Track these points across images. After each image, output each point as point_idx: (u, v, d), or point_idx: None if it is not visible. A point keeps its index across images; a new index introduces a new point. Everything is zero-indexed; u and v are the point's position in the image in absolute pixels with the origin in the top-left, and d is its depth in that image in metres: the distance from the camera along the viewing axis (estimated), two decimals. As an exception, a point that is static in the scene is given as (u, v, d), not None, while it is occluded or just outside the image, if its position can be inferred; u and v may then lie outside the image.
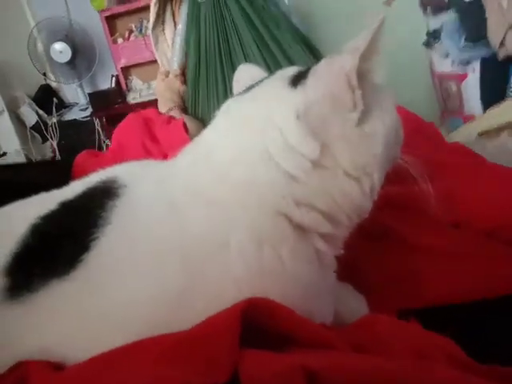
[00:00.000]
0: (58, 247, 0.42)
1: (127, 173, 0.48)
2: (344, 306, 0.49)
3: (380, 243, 0.58)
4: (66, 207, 0.46)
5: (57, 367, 0.38)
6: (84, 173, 0.55)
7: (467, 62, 1.61)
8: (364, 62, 0.40)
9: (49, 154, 2.31)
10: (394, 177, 0.48)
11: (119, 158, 0.98)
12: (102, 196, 0.45)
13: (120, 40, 2.27)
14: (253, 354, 0.32)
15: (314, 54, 1.40)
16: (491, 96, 1.56)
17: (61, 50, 2.17)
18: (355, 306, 0.51)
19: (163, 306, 0.38)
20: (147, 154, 0.99)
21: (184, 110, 1.44)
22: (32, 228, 0.45)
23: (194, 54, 1.39)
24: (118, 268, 0.40)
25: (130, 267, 0.40)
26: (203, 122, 1.36)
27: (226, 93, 1.34)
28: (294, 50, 1.35)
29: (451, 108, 1.76)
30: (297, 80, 0.43)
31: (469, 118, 1.61)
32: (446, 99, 1.79)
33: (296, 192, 0.40)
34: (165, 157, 0.96)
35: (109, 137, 2.28)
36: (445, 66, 1.72)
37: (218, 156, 0.43)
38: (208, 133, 0.47)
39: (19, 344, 0.40)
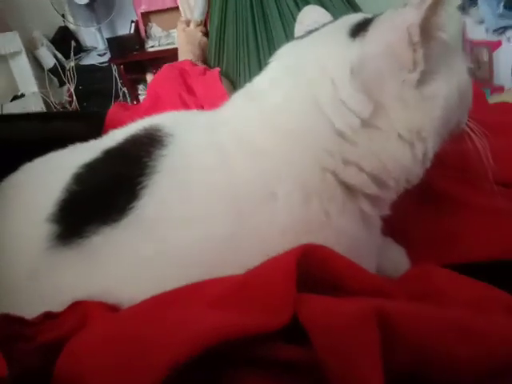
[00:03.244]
0: (106, 194, 0.42)
1: (172, 121, 0.48)
2: (385, 259, 0.48)
3: (427, 200, 0.56)
4: (109, 155, 0.46)
5: (111, 310, 0.38)
6: (116, 127, 0.54)
7: (503, 31, 1.54)
8: (432, 16, 0.37)
9: (65, 99, 2.28)
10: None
11: (155, 110, 0.94)
12: (148, 144, 0.44)
13: (141, -17, 2.20)
14: (313, 298, 0.31)
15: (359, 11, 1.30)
16: (523, 68, 1.51)
17: (80, -9, 2.10)
18: (396, 258, 0.51)
19: (212, 250, 0.39)
20: (184, 105, 0.96)
21: (205, 61, 1.38)
22: (77, 176, 0.45)
23: (220, 4, 1.30)
24: (168, 214, 0.40)
25: (180, 213, 0.40)
26: (228, 79, 1.27)
27: (258, 51, 1.24)
28: (335, 5, 1.20)
29: (480, 78, 1.71)
30: (357, 31, 0.41)
31: (497, 90, 1.57)
32: (476, 68, 1.73)
33: (344, 150, 0.39)
34: (201, 108, 0.93)
35: (125, 84, 2.24)
36: (478, 33, 1.65)
37: (268, 103, 0.43)
38: (260, 79, 0.46)
39: (72, 289, 0.40)
